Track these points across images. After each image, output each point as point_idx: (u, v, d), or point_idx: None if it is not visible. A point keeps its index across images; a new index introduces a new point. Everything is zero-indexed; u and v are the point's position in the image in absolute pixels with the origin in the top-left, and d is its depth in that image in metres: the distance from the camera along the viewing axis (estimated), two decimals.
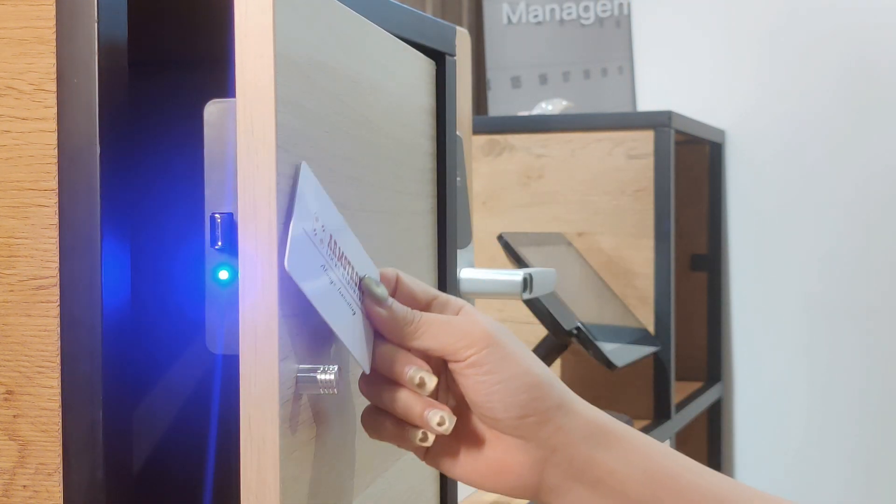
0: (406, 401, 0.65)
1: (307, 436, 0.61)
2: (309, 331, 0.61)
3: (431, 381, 0.64)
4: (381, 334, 0.66)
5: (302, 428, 0.60)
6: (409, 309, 0.66)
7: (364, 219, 0.72)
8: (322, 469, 0.64)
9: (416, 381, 0.64)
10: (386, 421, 0.66)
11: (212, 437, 0.89)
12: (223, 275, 0.62)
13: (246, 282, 0.56)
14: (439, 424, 0.64)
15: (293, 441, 0.59)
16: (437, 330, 0.66)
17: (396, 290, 0.68)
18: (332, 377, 0.59)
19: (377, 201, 0.76)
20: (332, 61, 0.66)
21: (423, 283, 0.70)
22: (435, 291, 0.70)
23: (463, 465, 0.68)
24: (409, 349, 0.66)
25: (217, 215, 0.60)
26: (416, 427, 0.65)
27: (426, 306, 0.69)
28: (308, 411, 0.61)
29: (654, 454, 0.68)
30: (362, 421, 0.67)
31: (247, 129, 0.56)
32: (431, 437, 0.66)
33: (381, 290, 0.65)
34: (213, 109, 0.62)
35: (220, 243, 0.60)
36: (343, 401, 0.67)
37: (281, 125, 0.57)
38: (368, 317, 0.65)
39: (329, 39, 0.66)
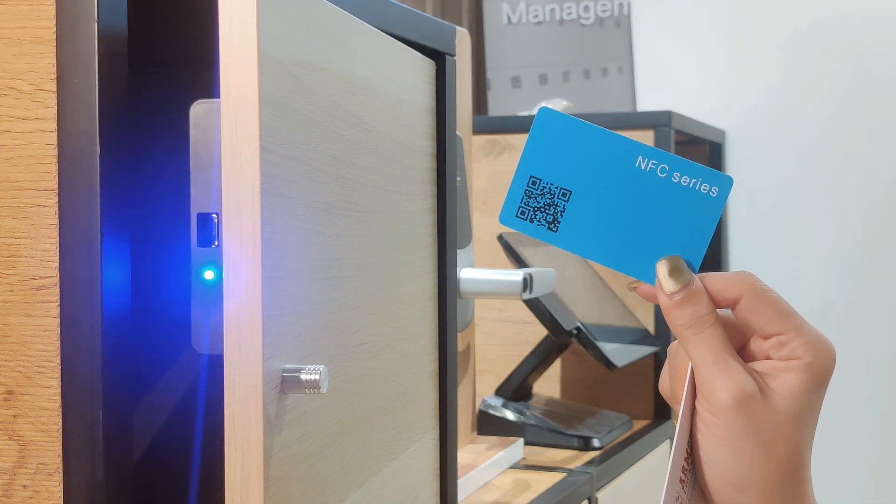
0: None
1: (293, 436, 0.61)
2: (294, 331, 0.61)
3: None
4: None
5: (287, 428, 0.60)
6: None
7: (357, 219, 0.72)
8: (309, 469, 0.63)
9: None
10: None
11: (213, 438, 0.89)
12: (208, 275, 0.62)
13: (230, 282, 0.56)
14: None
15: (278, 441, 0.59)
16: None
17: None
18: (318, 377, 0.59)
19: (372, 201, 0.75)
20: (321, 61, 0.66)
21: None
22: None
23: None
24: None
25: (214, 216, 0.60)
26: None
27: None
28: (294, 411, 0.61)
29: None
30: None
31: (231, 129, 0.56)
32: None
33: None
34: (198, 110, 0.62)
35: (216, 243, 0.60)
36: (331, 401, 0.67)
37: (265, 125, 0.57)
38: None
39: (317, 39, 0.66)
